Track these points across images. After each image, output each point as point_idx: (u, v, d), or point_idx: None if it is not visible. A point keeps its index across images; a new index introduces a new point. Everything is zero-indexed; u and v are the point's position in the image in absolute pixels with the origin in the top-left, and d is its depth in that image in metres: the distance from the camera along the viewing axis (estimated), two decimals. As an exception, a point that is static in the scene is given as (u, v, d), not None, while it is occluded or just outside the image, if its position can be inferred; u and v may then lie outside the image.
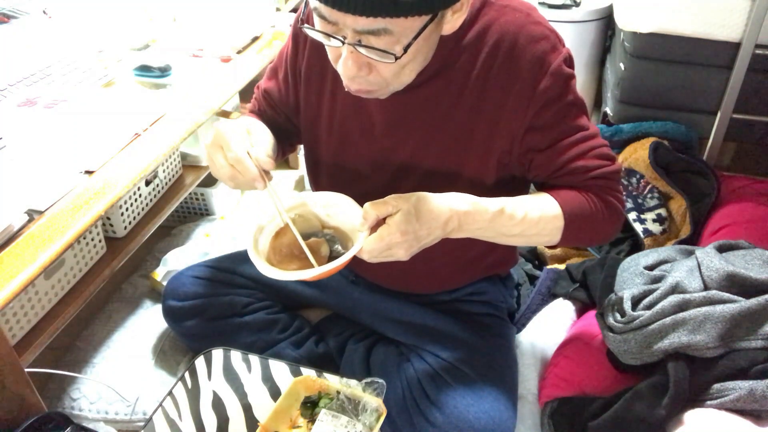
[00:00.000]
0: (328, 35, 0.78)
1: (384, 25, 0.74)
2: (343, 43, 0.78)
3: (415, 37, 0.77)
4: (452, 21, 0.83)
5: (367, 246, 0.84)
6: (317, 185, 1.13)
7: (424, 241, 0.86)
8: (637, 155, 1.69)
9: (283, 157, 1.17)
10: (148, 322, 1.42)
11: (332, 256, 0.91)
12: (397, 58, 0.78)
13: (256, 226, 0.93)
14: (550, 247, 1.64)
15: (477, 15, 0.90)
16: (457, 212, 0.87)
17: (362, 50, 0.78)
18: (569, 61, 0.92)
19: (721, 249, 1.16)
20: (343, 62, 0.81)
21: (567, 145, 0.93)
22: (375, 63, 0.81)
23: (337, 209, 0.93)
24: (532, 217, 0.92)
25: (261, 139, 0.94)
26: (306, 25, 0.82)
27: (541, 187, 0.99)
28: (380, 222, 0.85)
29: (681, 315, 1.02)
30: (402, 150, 0.98)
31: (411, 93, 0.91)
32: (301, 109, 1.07)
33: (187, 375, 1.08)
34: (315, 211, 0.95)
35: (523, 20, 0.89)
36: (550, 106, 0.90)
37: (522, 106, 0.90)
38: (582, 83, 2.33)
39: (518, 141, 0.94)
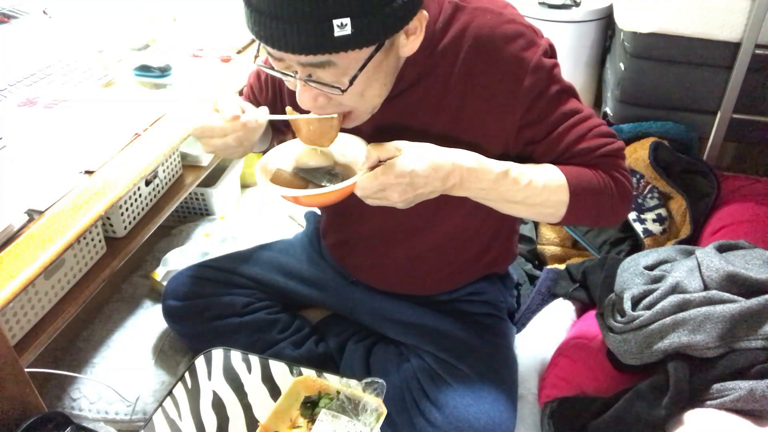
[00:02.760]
0: (281, 72, 0.80)
1: (327, 59, 0.75)
2: (294, 77, 0.79)
3: (362, 68, 0.78)
4: (409, 44, 0.83)
5: (360, 182, 0.84)
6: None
7: (420, 190, 0.85)
8: (637, 155, 1.69)
9: (275, 140, 1.18)
10: (148, 322, 1.42)
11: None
12: (343, 91, 0.78)
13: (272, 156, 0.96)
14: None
15: (450, 20, 0.89)
16: (460, 167, 0.86)
17: (312, 84, 0.79)
18: (549, 52, 0.92)
19: (721, 249, 1.15)
20: (299, 96, 0.83)
21: (564, 131, 0.92)
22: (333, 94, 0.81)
23: (350, 149, 0.94)
24: (536, 185, 0.90)
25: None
26: (261, 63, 0.83)
27: None
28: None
29: (681, 315, 1.02)
30: None
31: (391, 102, 0.91)
32: (291, 123, 1.08)
33: (187, 375, 1.08)
34: (330, 148, 0.96)
35: (496, 20, 0.89)
36: (538, 101, 0.90)
37: (509, 107, 0.90)
38: (582, 83, 2.33)
39: (513, 139, 0.93)
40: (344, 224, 1.16)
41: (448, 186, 0.87)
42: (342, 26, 0.72)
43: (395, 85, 0.90)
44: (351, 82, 0.78)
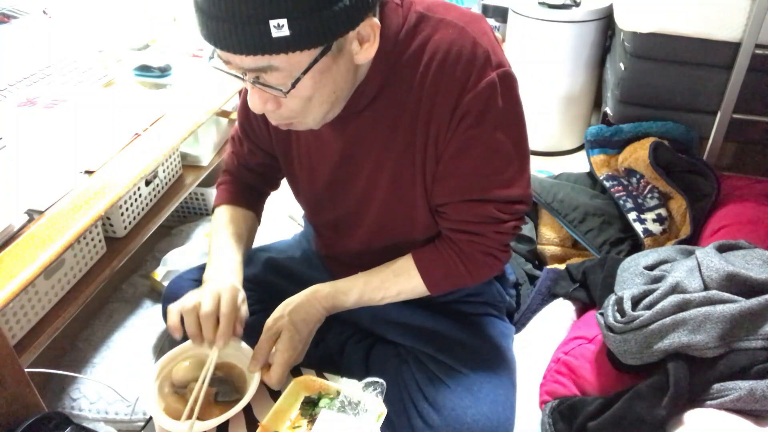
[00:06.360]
0: (234, 74, 0.80)
1: (268, 62, 0.74)
2: (243, 79, 0.79)
3: (305, 72, 0.76)
4: (363, 52, 0.81)
5: (275, 378, 0.96)
6: (302, 210, 1.18)
7: (310, 338, 1.01)
8: (637, 155, 1.69)
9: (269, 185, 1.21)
10: (148, 322, 1.42)
11: (225, 401, 0.97)
12: (285, 93, 0.78)
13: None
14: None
15: (414, 31, 0.87)
16: (324, 308, 1.01)
17: (259, 86, 0.79)
18: (500, 83, 0.86)
19: (721, 249, 1.15)
20: (249, 99, 0.82)
21: (462, 180, 0.91)
22: (280, 97, 0.80)
23: (228, 349, 1.00)
24: (391, 294, 1.02)
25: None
26: (215, 65, 0.82)
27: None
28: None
29: (681, 315, 1.01)
30: (360, 175, 0.98)
31: (358, 117, 0.91)
32: (273, 141, 1.08)
33: (187, 375, 1.08)
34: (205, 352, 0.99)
35: (455, 37, 0.85)
36: (463, 130, 0.88)
37: (443, 127, 0.88)
38: (582, 83, 2.33)
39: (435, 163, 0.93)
40: (334, 238, 1.16)
41: (323, 320, 1.02)
42: (279, 27, 0.71)
43: (360, 98, 0.88)
44: (293, 85, 0.77)
